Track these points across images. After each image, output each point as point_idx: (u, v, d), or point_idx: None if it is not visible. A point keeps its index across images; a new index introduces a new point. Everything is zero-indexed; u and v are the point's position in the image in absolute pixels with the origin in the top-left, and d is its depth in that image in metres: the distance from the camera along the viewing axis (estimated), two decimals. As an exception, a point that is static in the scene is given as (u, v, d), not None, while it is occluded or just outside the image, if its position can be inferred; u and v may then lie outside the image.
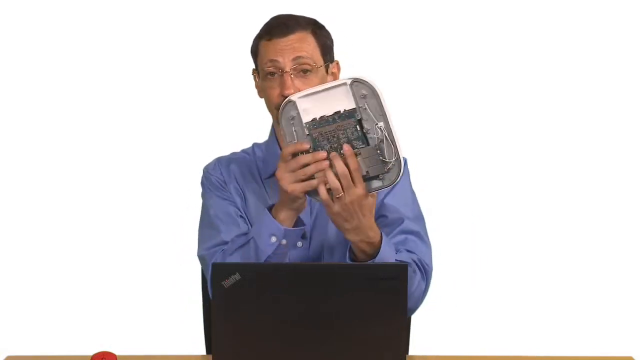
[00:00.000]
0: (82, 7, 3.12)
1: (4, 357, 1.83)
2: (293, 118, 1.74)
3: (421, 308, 1.92)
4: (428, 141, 3.08)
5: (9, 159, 3.14)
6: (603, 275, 3.13)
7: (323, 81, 1.91)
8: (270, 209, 1.80)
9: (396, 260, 1.81)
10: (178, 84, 3.12)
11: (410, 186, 2.01)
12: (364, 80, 1.69)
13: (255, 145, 2.04)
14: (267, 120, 2.00)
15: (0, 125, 3.14)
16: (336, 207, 1.70)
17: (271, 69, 1.88)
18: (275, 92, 1.88)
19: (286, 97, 1.82)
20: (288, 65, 1.87)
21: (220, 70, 3.00)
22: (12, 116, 3.14)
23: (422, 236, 1.94)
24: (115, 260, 3.12)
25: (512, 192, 3.16)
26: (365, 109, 1.69)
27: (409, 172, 2.01)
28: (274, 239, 1.77)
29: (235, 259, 1.82)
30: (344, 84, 1.71)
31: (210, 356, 1.84)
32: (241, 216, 1.94)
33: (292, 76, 1.86)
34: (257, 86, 1.97)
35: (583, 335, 3.00)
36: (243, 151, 2.05)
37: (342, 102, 1.70)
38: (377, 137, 1.68)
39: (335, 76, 1.97)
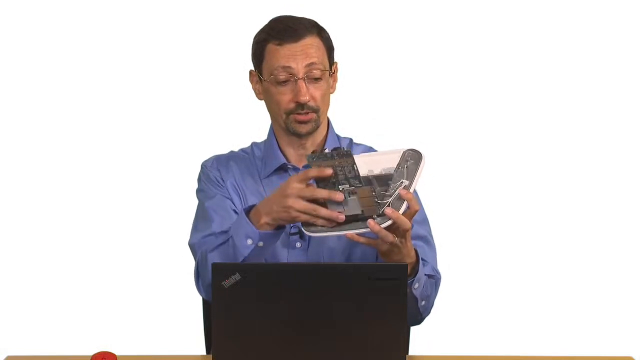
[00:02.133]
0: (82, 7, 3.12)
1: (4, 357, 1.82)
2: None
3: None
4: (425, 141, 3.07)
5: (8, 158, 3.14)
6: (603, 275, 3.12)
7: (329, 85, 1.91)
8: (250, 209, 1.78)
9: (425, 274, 1.80)
10: (177, 83, 3.12)
11: (413, 186, 2.00)
12: (417, 150, 1.70)
13: (254, 144, 2.04)
14: (266, 120, 2.00)
15: None
16: (385, 247, 1.68)
17: (283, 76, 1.87)
18: (286, 98, 1.88)
19: (299, 103, 1.84)
20: (301, 72, 1.86)
21: (219, 70, 2.99)
22: (10, 111, 3.15)
23: (428, 240, 1.94)
24: (115, 260, 3.11)
25: (511, 191, 3.16)
26: (403, 169, 1.68)
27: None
28: (249, 241, 1.74)
29: (215, 256, 1.80)
30: (399, 151, 1.71)
31: (210, 356, 1.84)
32: (235, 211, 1.94)
33: (306, 83, 1.86)
34: (255, 88, 1.96)
35: (583, 335, 3.00)
36: (242, 150, 2.05)
37: (387, 164, 1.70)
38: (393, 189, 1.66)
39: (334, 78, 1.96)
